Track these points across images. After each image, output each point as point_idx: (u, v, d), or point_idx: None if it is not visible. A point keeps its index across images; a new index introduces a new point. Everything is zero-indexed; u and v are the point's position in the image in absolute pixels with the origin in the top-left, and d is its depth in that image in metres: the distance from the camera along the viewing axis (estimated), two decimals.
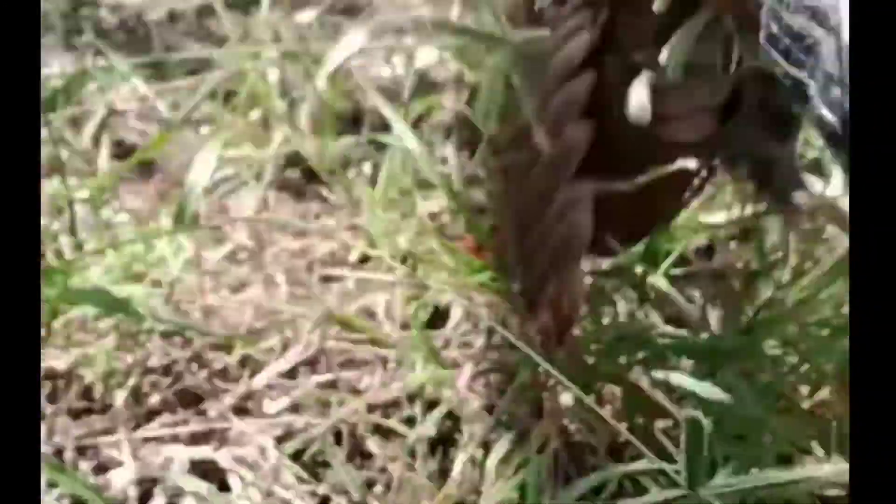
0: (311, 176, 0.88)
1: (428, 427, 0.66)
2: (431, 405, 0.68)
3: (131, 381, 0.70)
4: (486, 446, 0.64)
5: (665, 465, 0.54)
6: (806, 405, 0.66)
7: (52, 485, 0.62)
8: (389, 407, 0.70)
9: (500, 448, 0.59)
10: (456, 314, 0.74)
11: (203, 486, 0.64)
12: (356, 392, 0.71)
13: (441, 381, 0.67)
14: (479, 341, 0.72)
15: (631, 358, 0.66)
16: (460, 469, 0.61)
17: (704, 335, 0.69)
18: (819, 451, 0.62)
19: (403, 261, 0.76)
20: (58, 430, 0.67)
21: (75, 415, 0.69)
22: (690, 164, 0.56)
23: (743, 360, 0.66)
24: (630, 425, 0.63)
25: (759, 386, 0.64)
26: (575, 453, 0.62)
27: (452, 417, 0.68)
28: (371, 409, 0.69)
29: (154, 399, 0.70)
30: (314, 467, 0.67)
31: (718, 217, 0.76)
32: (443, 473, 0.64)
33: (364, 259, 0.80)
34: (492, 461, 0.58)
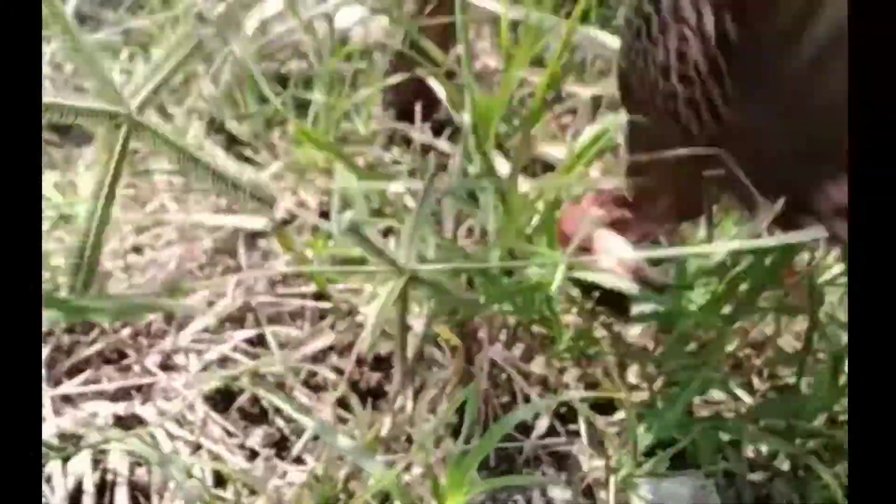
0: (233, 138, 0.87)
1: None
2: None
3: (51, 339, 0.68)
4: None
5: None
6: None
7: None
8: (317, 361, 0.69)
9: (432, 387, 0.59)
10: None
11: (129, 440, 0.62)
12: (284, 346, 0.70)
13: None
14: None
15: None
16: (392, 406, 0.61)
17: None
18: None
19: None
20: None
21: None
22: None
23: None
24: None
25: None
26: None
27: (382, 368, 0.68)
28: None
29: (76, 356, 0.68)
30: (242, 422, 0.66)
31: None
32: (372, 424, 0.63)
33: (287, 221, 0.79)
34: (424, 398, 0.58)
